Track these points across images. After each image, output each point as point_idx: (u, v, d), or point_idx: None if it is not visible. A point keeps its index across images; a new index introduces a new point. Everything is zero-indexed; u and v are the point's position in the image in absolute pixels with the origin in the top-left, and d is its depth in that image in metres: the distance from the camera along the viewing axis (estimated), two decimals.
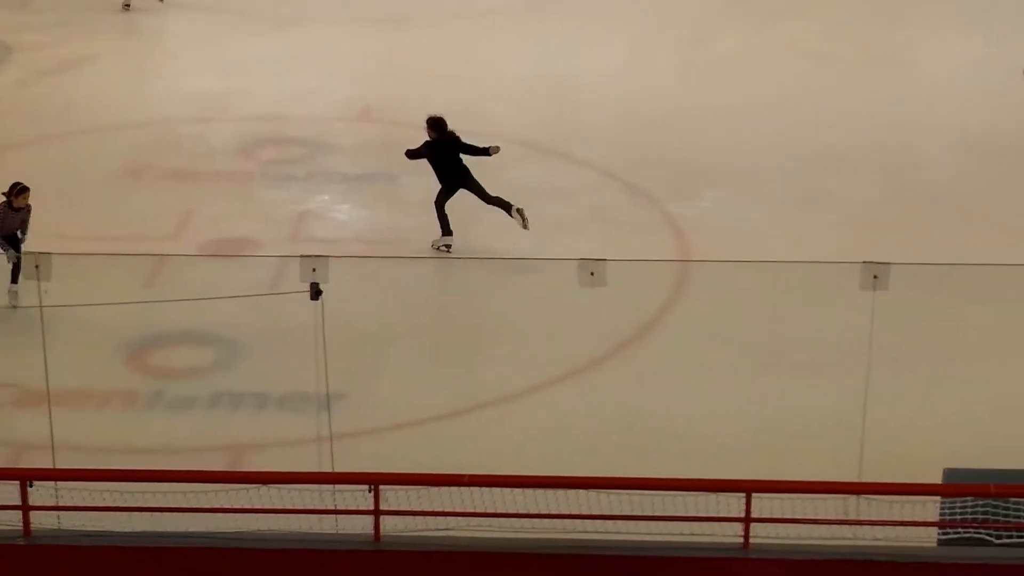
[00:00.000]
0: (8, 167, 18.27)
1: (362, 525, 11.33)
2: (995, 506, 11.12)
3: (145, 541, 11.29)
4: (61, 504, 11.46)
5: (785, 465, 12.14)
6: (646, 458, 13.02)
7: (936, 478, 11.42)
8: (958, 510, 11.21)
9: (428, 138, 17.30)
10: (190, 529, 11.32)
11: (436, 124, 17.27)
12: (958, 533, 11.24)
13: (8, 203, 15.73)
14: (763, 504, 11.09)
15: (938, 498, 11.28)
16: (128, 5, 26.01)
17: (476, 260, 16.89)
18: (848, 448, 12.15)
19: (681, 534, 11.11)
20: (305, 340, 12.31)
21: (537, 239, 16.85)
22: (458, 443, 13.55)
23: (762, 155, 20.16)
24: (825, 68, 23.36)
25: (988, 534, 11.18)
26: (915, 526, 11.13)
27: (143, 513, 11.29)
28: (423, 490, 11.25)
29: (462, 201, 17.23)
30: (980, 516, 11.16)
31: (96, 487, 11.30)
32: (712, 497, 11.19)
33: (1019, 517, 11.15)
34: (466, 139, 17.30)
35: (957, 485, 11.25)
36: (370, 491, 11.15)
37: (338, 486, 11.42)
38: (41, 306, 12.43)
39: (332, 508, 11.39)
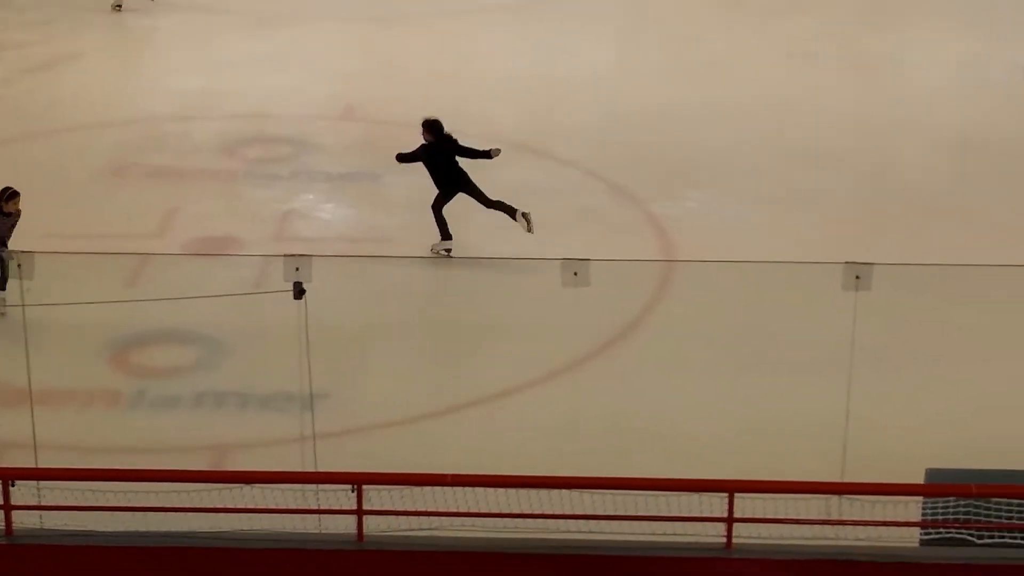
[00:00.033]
0: None
1: (345, 525, 11.33)
2: (977, 506, 11.14)
3: (128, 541, 11.27)
4: (43, 504, 11.44)
5: (768, 465, 12.15)
6: (630, 458, 13.02)
7: (919, 478, 11.45)
8: (940, 510, 11.24)
9: (423, 141, 16.95)
10: (173, 529, 11.31)
11: (432, 126, 16.89)
12: (940, 533, 11.26)
13: None
14: (746, 504, 11.10)
15: (920, 498, 11.31)
16: (119, 6, 25.94)
17: (459, 260, 16.89)
18: (831, 448, 12.17)
19: (664, 534, 11.12)
20: (288, 339, 12.30)
21: (521, 239, 16.83)
22: (441, 443, 13.55)
23: (747, 155, 20.20)
24: (811, 68, 23.42)
25: (970, 534, 11.20)
26: (897, 526, 11.16)
27: (126, 513, 11.27)
28: (406, 490, 11.25)
29: (451, 201, 17.09)
30: (962, 516, 11.18)
31: (79, 486, 11.28)
32: (695, 497, 11.20)
33: (1001, 517, 11.18)
34: (463, 142, 17.02)
35: (939, 485, 11.27)
36: (353, 491, 11.15)
37: (321, 486, 11.42)
38: (24, 305, 12.41)
39: (315, 508, 11.39)
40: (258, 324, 14.87)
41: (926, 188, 19.23)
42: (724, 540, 11.18)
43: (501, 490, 11.14)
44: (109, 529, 11.28)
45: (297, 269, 11.88)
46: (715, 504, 11.14)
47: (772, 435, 13.49)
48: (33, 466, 12.18)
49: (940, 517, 11.23)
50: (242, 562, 11.24)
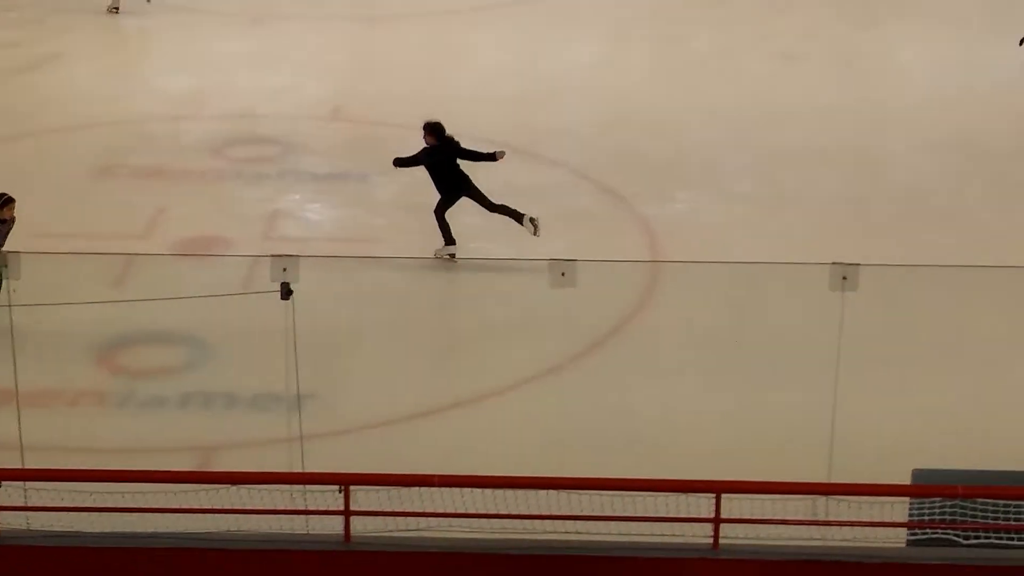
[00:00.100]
0: None
1: (332, 525, 11.32)
2: (963, 507, 11.17)
3: (115, 542, 11.24)
4: (30, 504, 11.41)
5: (755, 466, 12.16)
6: (617, 459, 13.02)
7: (906, 478, 11.47)
8: (927, 510, 11.26)
9: (425, 144, 16.67)
10: (160, 530, 11.29)
11: (435, 129, 16.55)
12: (927, 534, 11.28)
13: None
14: (733, 505, 11.11)
15: (907, 498, 11.33)
16: (117, 8, 25.82)
17: (447, 260, 16.87)
18: (818, 448, 12.19)
19: (652, 535, 11.13)
20: (276, 340, 12.28)
21: (509, 239, 16.83)
22: (429, 444, 13.54)
23: (735, 155, 20.21)
24: (799, 68, 23.43)
25: (956, 535, 11.22)
26: (884, 527, 11.18)
27: (113, 514, 11.25)
28: (393, 491, 11.24)
29: (436, 200, 17.07)
30: (949, 516, 11.20)
31: (66, 487, 11.25)
32: (682, 498, 11.21)
33: (987, 518, 11.20)
34: (466, 144, 16.77)
35: (925, 486, 11.30)
36: (340, 491, 11.14)
37: (308, 486, 11.41)
38: (11, 305, 12.38)
39: (302, 508, 11.38)
40: (245, 324, 14.84)
41: (915, 188, 19.26)
42: (711, 541, 11.18)
43: (488, 491, 11.14)
44: (96, 530, 11.26)
45: (284, 269, 11.87)
46: (702, 505, 11.15)
47: (759, 436, 13.50)
48: (19, 467, 12.16)
49: (927, 517, 11.24)
50: (229, 563, 11.23)
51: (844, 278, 11.77)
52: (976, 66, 23.29)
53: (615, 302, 15.78)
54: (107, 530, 11.26)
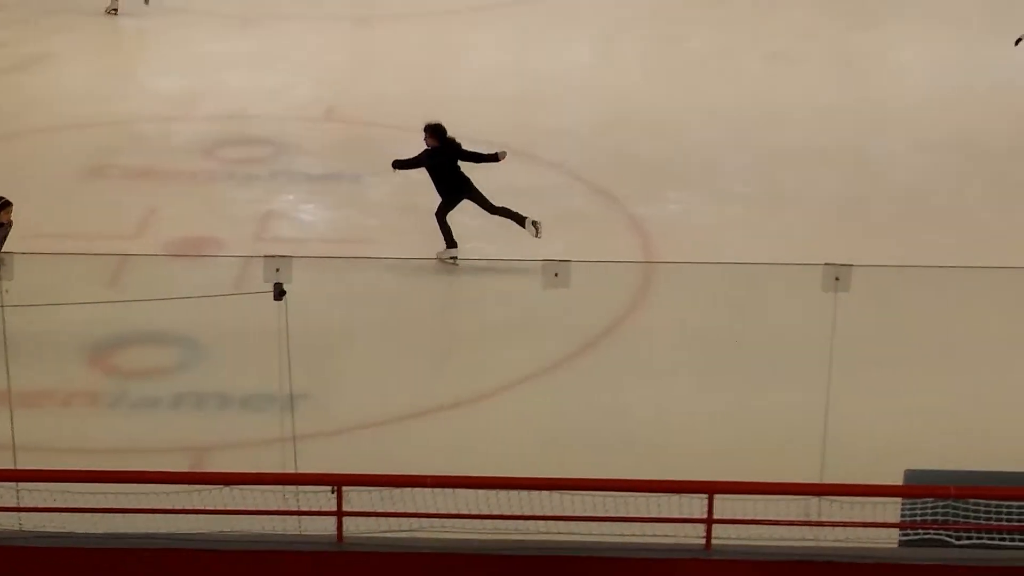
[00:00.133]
0: None
1: (325, 526, 11.31)
2: (956, 507, 11.18)
3: (107, 543, 11.23)
4: (22, 505, 11.40)
5: (747, 466, 12.17)
6: (610, 459, 13.02)
7: (898, 478, 11.48)
8: (919, 511, 11.27)
9: (426, 146, 16.53)
10: (152, 530, 11.27)
11: (436, 131, 16.40)
12: (919, 534, 11.29)
13: None
14: (725, 505, 11.12)
15: (899, 499, 11.34)
16: (116, 10, 25.77)
17: (440, 260, 16.86)
18: (811, 449, 12.20)
19: (644, 535, 11.13)
20: (268, 340, 12.29)
21: (503, 240, 16.83)
22: (421, 444, 13.54)
23: (730, 156, 20.22)
24: (795, 68, 23.44)
25: (949, 535, 11.24)
26: (876, 527, 11.18)
27: (105, 514, 11.23)
28: (386, 491, 11.24)
29: (433, 201, 17.06)
30: (941, 517, 11.21)
31: (58, 488, 11.23)
32: (675, 498, 11.21)
33: (979, 518, 11.21)
34: (467, 146, 16.64)
35: (917, 487, 11.31)
36: (333, 492, 11.13)
37: (301, 487, 11.40)
38: (2, 306, 12.36)
39: (295, 509, 11.37)
40: (238, 325, 14.82)
41: (914, 188, 19.27)
42: (704, 541, 11.19)
43: (481, 492, 11.14)
44: (88, 531, 11.25)
45: (277, 270, 11.86)
46: (695, 505, 11.15)
47: (752, 436, 13.51)
48: (12, 467, 12.15)
49: (919, 518, 11.26)
50: (221, 564, 11.22)
51: (837, 279, 11.78)
52: (975, 66, 23.31)
53: (609, 303, 15.78)
54: (99, 531, 11.25)
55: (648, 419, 13.84)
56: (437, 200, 16.88)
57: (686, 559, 11.16)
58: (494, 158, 16.69)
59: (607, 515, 11.12)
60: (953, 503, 11.16)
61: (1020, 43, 22.10)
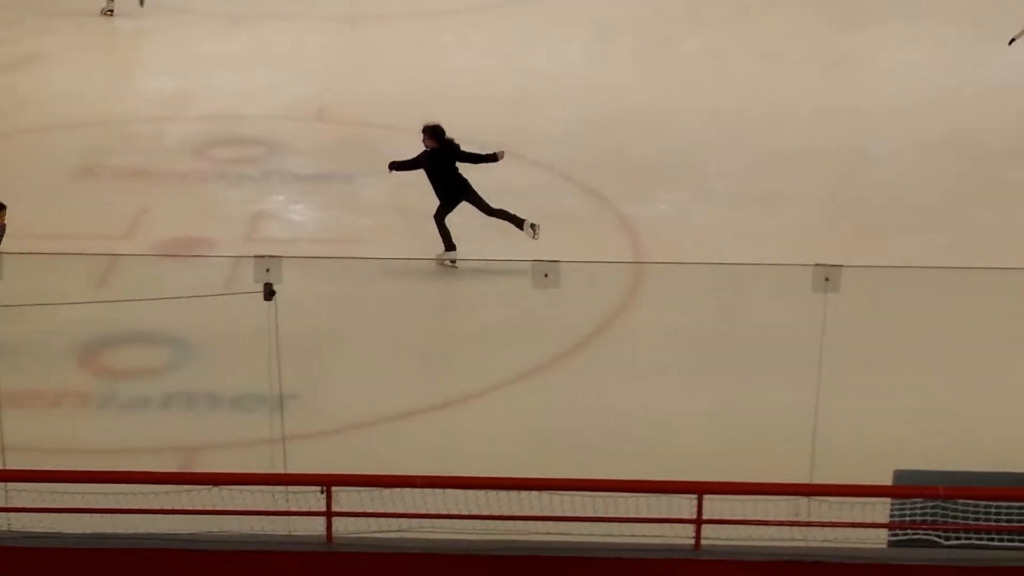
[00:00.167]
0: None
1: (314, 526, 11.31)
2: (944, 507, 11.19)
3: (97, 543, 11.22)
4: (11, 505, 11.39)
5: (737, 467, 12.18)
6: (599, 459, 13.03)
7: (887, 478, 11.49)
8: (908, 511, 11.28)
9: (424, 147, 16.42)
10: (142, 531, 11.27)
11: (435, 132, 16.26)
12: (908, 534, 11.31)
13: None
14: (714, 506, 11.13)
15: (888, 499, 11.35)
16: (111, 11, 25.74)
17: (431, 261, 16.86)
18: (800, 449, 12.21)
19: (633, 536, 11.13)
20: (258, 340, 12.28)
21: (494, 241, 16.83)
22: (411, 445, 13.54)
23: (720, 156, 20.24)
24: (786, 68, 23.46)
25: (937, 535, 11.25)
26: (865, 527, 11.20)
27: (95, 514, 11.23)
28: (376, 491, 11.24)
29: (425, 201, 16.99)
30: (930, 517, 11.23)
31: (47, 488, 11.21)
32: (664, 499, 11.22)
33: (968, 519, 11.22)
34: (466, 147, 16.53)
35: (906, 487, 11.32)
36: (322, 492, 11.13)
37: (290, 487, 11.40)
38: None
39: (284, 509, 11.37)
40: (228, 325, 14.82)
41: (909, 189, 19.27)
42: (693, 542, 11.20)
43: (470, 492, 11.14)
44: (77, 531, 11.24)
45: (268, 270, 11.86)
46: (684, 505, 11.16)
47: (741, 436, 13.52)
48: (1, 467, 12.13)
49: (908, 518, 11.27)
50: (211, 564, 11.21)
51: (826, 279, 11.79)
52: (970, 66, 23.33)
53: (599, 303, 15.78)
54: (89, 531, 11.24)
55: (638, 419, 13.84)
56: (431, 200, 16.81)
57: (675, 559, 11.16)
58: (493, 158, 16.63)
59: (596, 515, 11.13)
60: (942, 503, 11.17)
61: (1014, 43, 22.15)
